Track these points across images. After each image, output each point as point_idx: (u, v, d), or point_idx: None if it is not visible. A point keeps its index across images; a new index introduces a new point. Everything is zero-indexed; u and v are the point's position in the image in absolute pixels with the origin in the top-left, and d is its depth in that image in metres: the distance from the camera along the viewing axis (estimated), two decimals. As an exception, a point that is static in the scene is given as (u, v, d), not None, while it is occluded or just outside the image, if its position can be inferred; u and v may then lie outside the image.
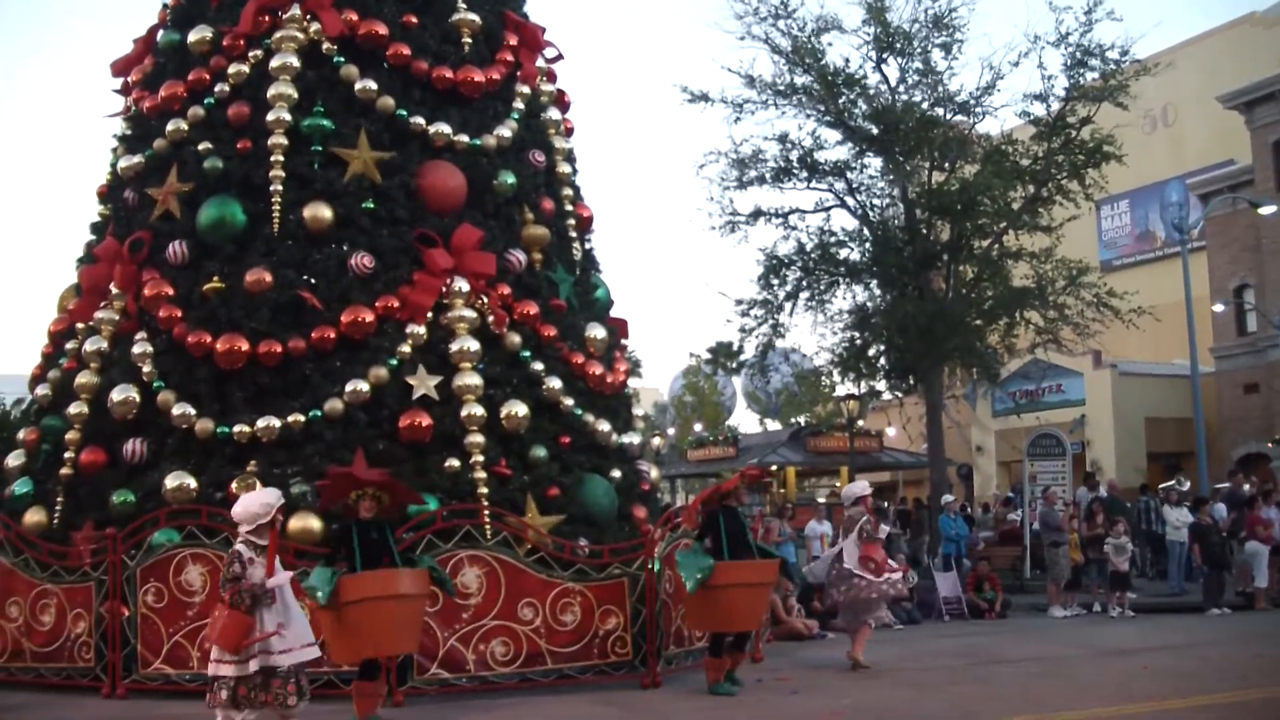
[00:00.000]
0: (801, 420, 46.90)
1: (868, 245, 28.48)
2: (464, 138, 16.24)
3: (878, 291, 29.00)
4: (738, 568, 13.33)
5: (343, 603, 10.79)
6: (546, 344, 16.09)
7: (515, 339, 15.73)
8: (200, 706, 12.15)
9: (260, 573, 9.75)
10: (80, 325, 16.24)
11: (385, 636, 11.15)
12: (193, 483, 14.13)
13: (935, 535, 27.16)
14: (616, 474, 16.38)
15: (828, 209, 29.30)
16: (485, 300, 15.55)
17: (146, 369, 15.00)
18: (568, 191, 18.00)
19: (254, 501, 10.13)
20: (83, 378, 15.54)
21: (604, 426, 16.38)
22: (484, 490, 14.45)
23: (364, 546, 11.08)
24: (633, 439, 17.27)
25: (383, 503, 11.39)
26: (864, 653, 15.13)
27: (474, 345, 15.08)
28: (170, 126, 16.03)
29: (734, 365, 42.74)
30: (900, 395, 33.57)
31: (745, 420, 58.06)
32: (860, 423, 36.83)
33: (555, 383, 15.82)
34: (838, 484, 41.68)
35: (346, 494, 11.35)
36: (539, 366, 15.80)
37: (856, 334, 28.96)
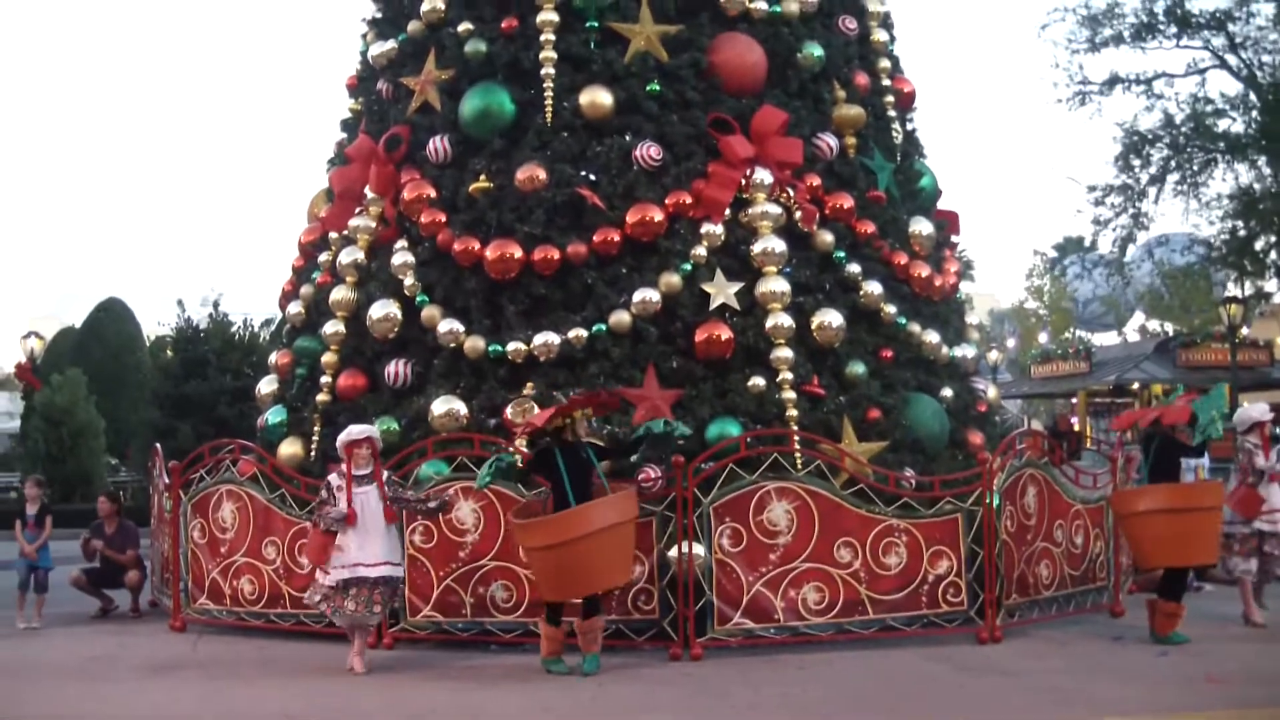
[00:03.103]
0: (1169, 329, 45.35)
1: (1254, 113, 27.17)
2: (762, 4, 16.03)
3: (1267, 170, 27.69)
4: (1192, 490, 13.51)
5: (536, 547, 12.14)
6: (863, 242, 15.95)
7: (827, 237, 15.58)
8: (481, 658, 12.65)
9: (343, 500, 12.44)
10: (334, 234, 16.75)
11: (574, 579, 12.05)
12: (462, 408, 14.46)
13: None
14: (947, 393, 16.29)
15: (1203, 71, 28.30)
16: (791, 193, 15.41)
17: (408, 281, 15.34)
18: (885, 63, 17.76)
19: (343, 435, 12.76)
20: (338, 293, 16.02)
21: (932, 338, 16.27)
22: (793, 413, 14.49)
23: (570, 468, 12.14)
24: (966, 352, 17.22)
25: (590, 419, 12.67)
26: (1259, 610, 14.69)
27: (779, 246, 15.00)
28: (426, 6, 16.25)
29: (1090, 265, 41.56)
30: (1297, 297, 32.27)
31: (1099, 333, 56.58)
32: (1245, 331, 35.33)
33: (874, 287, 15.67)
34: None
35: (552, 425, 12.38)
36: (855, 269, 15.65)
37: (1240, 223, 27.77)
